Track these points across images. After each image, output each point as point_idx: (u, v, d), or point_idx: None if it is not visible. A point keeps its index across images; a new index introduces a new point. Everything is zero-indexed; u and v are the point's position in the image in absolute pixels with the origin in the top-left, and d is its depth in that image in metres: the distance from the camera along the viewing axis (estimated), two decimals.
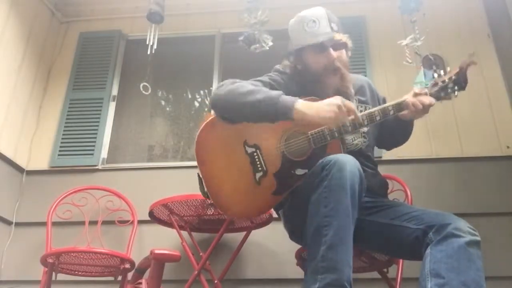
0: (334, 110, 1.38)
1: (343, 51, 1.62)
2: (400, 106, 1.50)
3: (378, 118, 1.49)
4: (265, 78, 1.65)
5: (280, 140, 1.54)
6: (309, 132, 1.51)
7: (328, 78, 1.58)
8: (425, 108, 1.49)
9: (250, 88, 1.49)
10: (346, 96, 1.56)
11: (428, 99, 1.49)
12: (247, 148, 1.57)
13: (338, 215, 1.27)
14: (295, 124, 1.48)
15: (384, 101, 1.80)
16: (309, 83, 1.62)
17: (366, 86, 1.77)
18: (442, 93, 1.51)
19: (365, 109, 1.64)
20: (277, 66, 1.73)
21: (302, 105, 1.41)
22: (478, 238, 1.32)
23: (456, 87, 1.50)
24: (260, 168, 1.54)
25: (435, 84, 1.52)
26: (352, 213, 1.28)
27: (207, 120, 1.60)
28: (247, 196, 1.55)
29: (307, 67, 1.62)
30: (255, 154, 1.56)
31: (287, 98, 1.43)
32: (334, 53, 1.57)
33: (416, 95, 1.50)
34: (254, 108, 1.46)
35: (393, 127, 1.70)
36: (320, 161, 1.36)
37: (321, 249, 1.25)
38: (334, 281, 1.21)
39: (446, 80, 1.51)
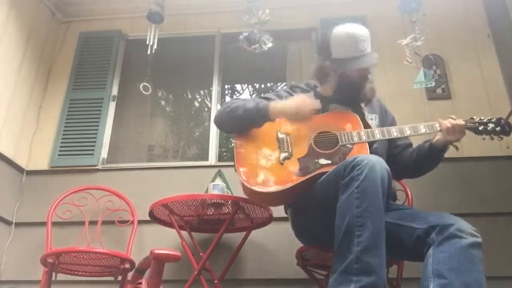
0: (297, 102, 1.63)
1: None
2: (431, 125, 1.62)
3: (408, 132, 1.65)
4: (270, 95, 1.87)
5: (312, 134, 1.69)
6: (338, 132, 1.65)
7: (363, 86, 1.81)
8: (455, 126, 1.58)
9: (234, 105, 1.74)
10: (370, 94, 1.84)
11: (457, 121, 1.59)
12: (279, 134, 1.73)
13: (372, 216, 1.28)
14: (328, 124, 1.69)
15: (394, 120, 1.93)
16: (342, 89, 1.80)
17: (375, 100, 1.91)
18: (480, 126, 1.60)
19: (374, 119, 1.81)
20: (292, 83, 1.98)
21: (272, 105, 1.68)
22: (480, 240, 1.33)
23: (498, 128, 1.59)
24: (286, 150, 1.67)
25: (472, 118, 1.63)
26: (384, 215, 1.32)
27: None
28: (269, 171, 1.65)
29: (346, 76, 1.78)
30: (285, 139, 1.70)
31: (262, 104, 1.69)
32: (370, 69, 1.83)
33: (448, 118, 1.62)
34: (241, 120, 1.73)
35: (427, 160, 1.77)
36: (350, 159, 1.39)
37: (355, 249, 1.25)
38: (370, 283, 1.21)
39: (485, 120, 1.61)
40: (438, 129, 1.62)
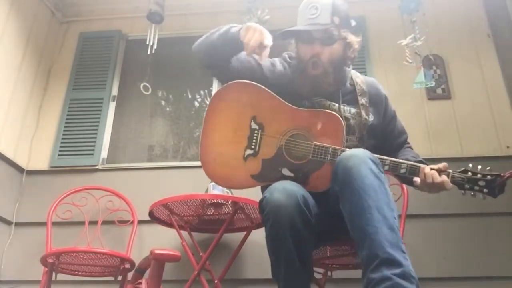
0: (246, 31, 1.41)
1: (336, 47, 1.54)
2: (413, 169, 1.41)
3: (386, 167, 1.41)
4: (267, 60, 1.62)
5: (286, 134, 1.50)
6: (314, 143, 1.46)
7: (307, 70, 1.54)
8: (435, 185, 1.38)
9: (212, 32, 1.57)
10: (324, 94, 1.57)
11: (441, 179, 1.38)
12: (252, 123, 1.54)
13: (282, 264, 1.30)
14: (308, 126, 1.49)
15: (394, 115, 1.71)
16: (294, 69, 1.61)
17: (376, 98, 1.66)
18: (467, 184, 1.39)
19: (360, 116, 1.59)
20: (284, 54, 1.71)
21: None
22: (356, 154, 1.27)
23: (486, 190, 1.38)
24: (253, 147, 1.52)
25: (465, 171, 1.40)
26: (297, 254, 1.28)
27: (237, 81, 1.56)
28: (229, 165, 1.53)
29: (296, 53, 1.61)
30: (256, 132, 1.53)
31: (233, 30, 1.48)
32: (317, 48, 1.52)
33: (436, 169, 1.39)
34: (216, 43, 1.53)
35: (406, 182, 1.66)
36: (261, 199, 1.33)
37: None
38: None
39: (479, 175, 1.39)
40: (418, 175, 1.42)
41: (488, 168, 1.41)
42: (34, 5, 3.35)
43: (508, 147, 2.84)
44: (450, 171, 1.40)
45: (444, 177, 1.39)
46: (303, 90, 1.56)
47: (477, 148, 2.85)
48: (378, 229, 1.14)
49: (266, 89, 1.54)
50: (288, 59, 1.67)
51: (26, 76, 3.20)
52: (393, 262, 1.10)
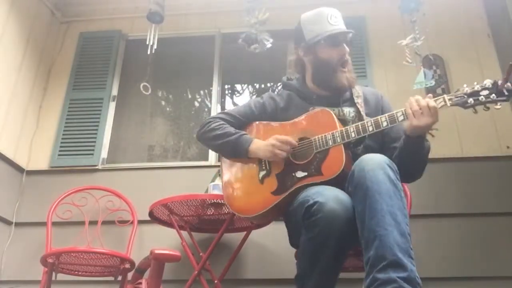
0: (270, 150, 1.55)
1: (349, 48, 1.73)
2: (392, 116, 1.43)
3: (371, 128, 1.45)
4: (248, 106, 1.79)
5: None
6: (313, 138, 1.54)
7: (339, 71, 1.67)
8: (422, 110, 1.36)
9: (216, 133, 1.69)
10: (348, 82, 1.70)
11: (426, 101, 1.37)
12: None
13: (315, 270, 1.30)
14: (304, 128, 1.59)
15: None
16: (318, 74, 1.72)
17: (373, 99, 1.74)
18: (470, 98, 1.34)
19: (358, 113, 1.66)
20: (268, 93, 1.84)
21: (253, 148, 1.62)
22: (375, 158, 1.28)
23: (493, 95, 1.32)
24: (264, 167, 1.62)
25: (458, 90, 1.38)
26: (334, 264, 1.30)
27: None
28: (248, 193, 1.63)
29: (319, 58, 1.70)
30: None
31: (241, 144, 1.64)
32: (345, 48, 1.68)
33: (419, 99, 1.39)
34: (220, 151, 1.76)
35: (405, 156, 1.55)
36: (311, 202, 1.28)
37: None
38: None
39: (477, 87, 1.35)
40: (400, 121, 1.43)
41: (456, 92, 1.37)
42: (34, 5, 3.35)
43: (508, 147, 2.84)
44: (445, 95, 1.40)
45: (428, 99, 1.38)
46: (340, 84, 1.67)
47: (477, 148, 2.85)
48: (389, 232, 1.14)
49: (259, 121, 1.74)
50: (273, 96, 1.78)
51: (26, 76, 3.20)
52: (400, 266, 1.11)
